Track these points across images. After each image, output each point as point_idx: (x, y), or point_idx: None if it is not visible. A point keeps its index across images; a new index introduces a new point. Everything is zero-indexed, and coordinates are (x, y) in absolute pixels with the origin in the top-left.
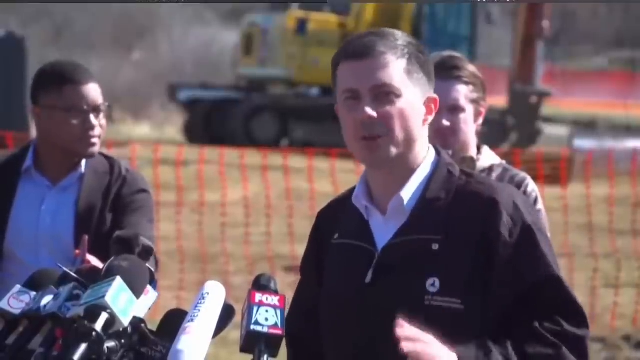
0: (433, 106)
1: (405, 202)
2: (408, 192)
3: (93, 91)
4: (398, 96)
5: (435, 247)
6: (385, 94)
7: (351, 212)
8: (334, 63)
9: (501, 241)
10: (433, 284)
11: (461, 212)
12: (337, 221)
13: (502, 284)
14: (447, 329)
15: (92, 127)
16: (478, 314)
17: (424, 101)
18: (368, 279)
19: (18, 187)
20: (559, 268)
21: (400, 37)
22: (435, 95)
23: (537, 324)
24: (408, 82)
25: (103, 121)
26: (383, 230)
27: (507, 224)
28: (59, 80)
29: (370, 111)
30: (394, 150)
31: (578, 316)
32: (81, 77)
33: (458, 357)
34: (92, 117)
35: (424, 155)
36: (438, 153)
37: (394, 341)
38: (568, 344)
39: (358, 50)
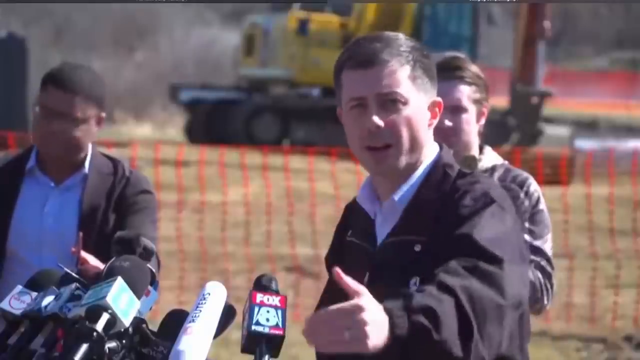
0: (437, 109)
1: (397, 202)
2: (401, 192)
3: (65, 98)
4: (404, 103)
5: (417, 248)
6: (391, 102)
7: (360, 210)
8: (336, 68)
9: (456, 215)
10: (415, 283)
11: (447, 212)
12: (353, 217)
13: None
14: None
15: (48, 131)
16: None
17: (429, 105)
18: (366, 279)
19: (22, 187)
20: (499, 246)
21: (404, 42)
22: (439, 99)
23: (453, 262)
24: (413, 88)
25: (77, 132)
26: (381, 230)
27: (467, 204)
28: (45, 79)
29: (377, 120)
30: (402, 160)
31: (495, 260)
32: (63, 82)
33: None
34: (48, 121)
35: (428, 157)
36: (441, 151)
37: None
38: (479, 275)
39: (363, 58)
